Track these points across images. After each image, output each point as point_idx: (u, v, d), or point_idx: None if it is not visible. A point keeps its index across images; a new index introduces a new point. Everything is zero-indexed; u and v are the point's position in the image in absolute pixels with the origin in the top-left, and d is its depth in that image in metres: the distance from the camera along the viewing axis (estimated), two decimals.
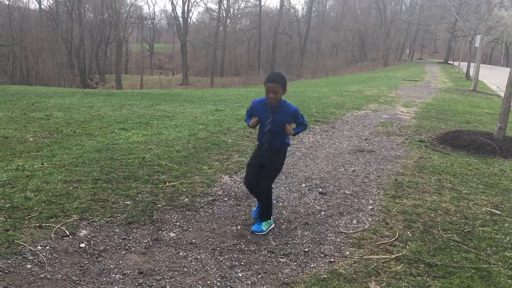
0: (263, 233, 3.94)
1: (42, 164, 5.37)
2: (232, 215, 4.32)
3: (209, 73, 57.66)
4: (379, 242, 3.86)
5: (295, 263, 3.45)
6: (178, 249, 3.57)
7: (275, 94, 3.73)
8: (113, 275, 3.11)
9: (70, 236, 3.61)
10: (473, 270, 3.44)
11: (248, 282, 3.15)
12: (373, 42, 66.06)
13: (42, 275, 3.03)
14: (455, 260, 3.60)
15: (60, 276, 3.05)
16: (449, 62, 57.23)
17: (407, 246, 3.80)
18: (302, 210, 4.54)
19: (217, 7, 61.70)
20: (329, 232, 4.06)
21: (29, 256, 3.25)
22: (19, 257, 3.22)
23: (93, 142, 6.65)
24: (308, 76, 51.60)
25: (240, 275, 3.24)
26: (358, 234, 4.02)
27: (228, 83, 50.41)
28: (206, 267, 3.32)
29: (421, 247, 3.79)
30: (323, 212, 4.51)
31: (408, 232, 4.09)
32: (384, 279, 3.26)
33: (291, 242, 3.83)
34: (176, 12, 62.95)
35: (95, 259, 3.31)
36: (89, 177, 4.94)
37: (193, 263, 3.37)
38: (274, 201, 4.70)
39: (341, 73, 49.26)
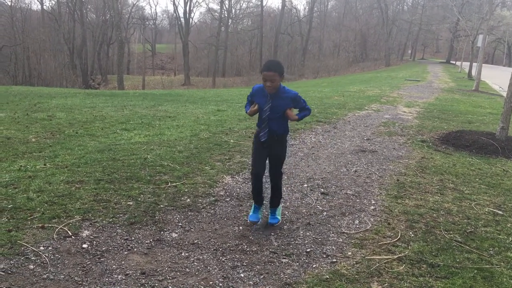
0: (279, 222, 4.18)
1: (44, 164, 5.38)
2: (234, 215, 4.33)
3: (211, 74, 57.68)
4: (381, 243, 3.86)
5: (297, 264, 3.45)
6: (180, 249, 3.58)
7: (272, 82, 3.71)
8: (116, 276, 3.12)
9: (73, 237, 3.61)
10: (476, 271, 3.43)
11: (250, 282, 3.15)
12: (375, 42, 66.01)
13: (45, 276, 3.04)
14: (458, 260, 3.60)
15: (62, 276, 3.05)
16: (451, 62, 57.13)
17: (410, 247, 3.80)
18: (304, 211, 4.54)
19: (218, 7, 61.83)
20: (331, 232, 4.06)
21: (31, 257, 3.26)
22: (22, 258, 3.23)
23: (95, 143, 6.66)
24: (310, 76, 51.59)
25: (242, 275, 3.24)
26: (360, 235, 4.02)
27: (230, 83, 50.43)
28: (208, 267, 3.33)
29: (424, 248, 3.78)
30: (325, 213, 4.51)
31: (410, 233, 4.09)
32: (386, 279, 3.26)
33: (293, 242, 3.83)
34: (178, 13, 63.31)
35: (97, 259, 3.32)
36: (91, 178, 4.95)
37: (195, 263, 3.38)
38: None
39: (343, 73, 49.22)
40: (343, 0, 74.99)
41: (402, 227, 4.21)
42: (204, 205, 4.50)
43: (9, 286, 2.89)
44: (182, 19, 58.37)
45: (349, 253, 3.66)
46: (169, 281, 3.11)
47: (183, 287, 3.05)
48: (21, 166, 5.26)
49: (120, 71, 39.06)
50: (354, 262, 3.49)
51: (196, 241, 3.74)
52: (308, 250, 3.69)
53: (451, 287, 3.19)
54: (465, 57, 43.65)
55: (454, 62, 55.14)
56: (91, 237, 3.65)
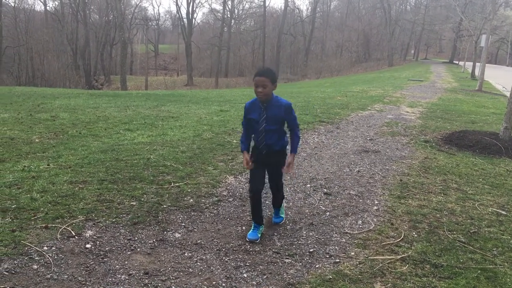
0: (283, 220, 4.22)
1: (48, 165, 5.40)
2: (237, 215, 4.33)
3: (214, 74, 57.71)
4: (385, 243, 3.85)
5: (300, 264, 3.45)
6: (183, 249, 3.58)
7: (264, 88, 3.58)
8: (119, 276, 3.12)
9: (76, 237, 3.62)
10: (479, 271, 3.42)
11: (253, 282, 3.15)
12: (377, 42, 65.88)
13: (48, 276, 3.05)
14: (461, 260, 3.59)
15: (66, 276, 3.06)
16: (454, 62, 57.03)
17: (413, 247, 3.79)
18: (307, 211, 4.54)
19: (221, 8, 61.85)
20: (334, 232, 4.05)
21: (35, 257, 3.27)
22: (26, 258, 3.24)
23: (99, 143, 6.67)
24: (313, 76, 51.59)
25: (245, 275, 3.24)
26: (363, 235, 4.01)
27: (233, 84, 50.46)
28: (211, 267, 3.33)
29: (427, 248, 3.78)
30: (328, 213, 4.50)
31: (414, 233, 4.08)
32: (390, 279, 3.25)
33: (296, 242, 3.83)
34: (180, 13, 63.24)
35: (100, 259, 3.32)
36: (94, 178, 4.96)
37: (198, 263, 3.38)
38: None
39: (345, 74, 49.18)
40: (345, 0, 74.91)
41: (405, 227, 4.20)
42: (207, 205, 4.51)
43: (13, 286, 2.90)
44: (185, 20, 58.49)
45: (352, 253, 3.66)
46: (172, 281, 3.11)
47: (186, 287, 3.05)
48: (24, 166, 5.27)
49: (123, 71, 39.16)
50: (357, 262, 3.49)
51: (199, 241, 3.74)
52: (311, 250, 3.69)
53: (455, 287, 3.18)
54: (468, 57, 43.54)
55: (457, 62, 55.04)
56: (95, 237, 3.66)
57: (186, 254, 3.51)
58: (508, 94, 10.18)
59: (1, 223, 3.72)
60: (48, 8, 60.38)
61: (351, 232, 4.08)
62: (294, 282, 3.16)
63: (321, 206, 4.67)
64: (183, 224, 4.03)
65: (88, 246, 3.50)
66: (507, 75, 36.21)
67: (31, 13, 57.52)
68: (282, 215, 4.26)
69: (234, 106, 11.46)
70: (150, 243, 3.64)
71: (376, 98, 14.99)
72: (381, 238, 3.94)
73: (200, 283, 3.10)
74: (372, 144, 7.71)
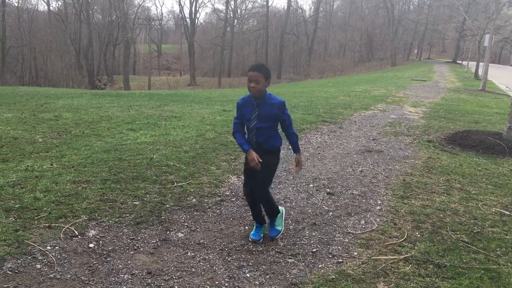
0: (281, 232, 3.91)
1: (51, 164, 5.41)
2: (240, 215, 4.33)
3: (217, 74, 57.74)
4: (388, 243, 3.85)
5: (303, 264, 3.45)
6: (186, 249, 3.59)
7: (257, 83, 3.47)
8: (122, 275, 3.13)
9: (79, 236, 3.63)
10: (483, 271, 3.42)
11: (256, 282, 3.15)
12: (380, 42, 65.74)
13: (52, 275, 3.06)
14: (464, 261, 3.58)
15: (69, 276, 3.07)
16: (457, 61, 56.84)
17: (416, 247, 3.78)
18: (310, 211, 4.53)
19: (224, 7, 61.81)
20: (337, 232, 4.05)
21: (38, 256, 3.28)
22: (29, 257, 3.25)
23: (102, 143, 6.68)
24: (316, 76, 51.52)
25: (248, 275, 3.24)
26: (366, 235, 4.01)
27: (236, 84, 50.45)
28: (214, 267, 3.33)
29: (430, 248, 3.77)
30: (331, 213, 4.50)
31: (417, 233, 4.08)
32: (393, 280, 3.25)
33: (299, 242, 3.83)
34: (183, 13, 63.36)
35: (103, 259, 3.33)
36: (97, 178, 4.97)
37: (201, 263, 3.38)
38: (281, 202, 4.71)
39: (348, 73, 49.11)
40: (348, 0, 74.81)
41: (409, 227, 4.20)
42: (210, 205, 4.51)
43: (16, 285, 2.91)
44: (188, 20, 58.52)
45: (355, 253, 3.65)
46: (175, 280, 3.11)
47: (189, 287, 3.05)
48: (28, 166, 5.29)
49: (126, 71, 39.15)
50: (360, 262, 3.48)
51: (202, 241, 3.74)
52: (314, 250, 3.69)
53: (458, 287, 3.18)
54: (471, 56, 43.42)
55: (460, 62, 54.86)
56: (98, 236, 3.66)
57: (189, 253, 3.52)
58: (511, 94, 10.15)
59: (4, 222, 3.73)
60: (51, 8, 60.63)
61: (354, 232, 4.07)
62: (297, 282, 3.16)
63: (324, 206, 4.67)
64: (186, 224, 4.04)
65: (91, 245, 3.51)
66: (511, 75, 36.11)
67: (34, 13, 57.72)
68: (279, 227, 3.92)
69: None
70: (153, 242, 3.65)
71: (379, 98, 14.97)
72: (384, 238, 3.94)
73: (203, 283, 3.10)
74: (375, 144, 7.70)
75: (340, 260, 3.52)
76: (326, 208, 4.63)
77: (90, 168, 5.31)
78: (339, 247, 3.75)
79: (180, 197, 4.61)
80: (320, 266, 3.42)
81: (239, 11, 66.50)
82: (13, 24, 50.53)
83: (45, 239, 3.52)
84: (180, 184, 4.98)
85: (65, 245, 3.47)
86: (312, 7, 75.66)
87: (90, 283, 3.00)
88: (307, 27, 66.15)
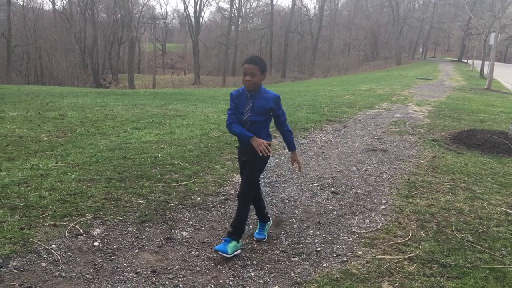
0: (227, 255, 3.39)
1: (56, 163, 5.43)
2: None
3: (221, 72, 57.74)
4: (392, 242, 3.84)
5: (307, 263, 3.45)
6: (190, 248, 3.59)
7: (252, 76, 3.36)
8: (126, 274, 3.14)
9: (84, 235, 3.64)
10: (488, 271, 3.40)
11: (260, 281, 3.15)
12: (385, 41, 65.56)
13: (57, 273, 3.07)
14: (469, 260, 3.57)
15: (74, 274, 3.08)
16: (463, 60, 56.62)
17: (421, 246, 3.77)
18: (314, 210, 4.53)
19: (229, 6, 61.75)
20: (342, 231, 4.04)
21: (43, 255, 3.29)
22: (34, 255, 3.26)
23: (106, 142, 6.70)
24: (320, 75, 51.45)
25: (252, 274, 3.25)
26: (371, 234, 4.00)
27: (240, 82, 50.26)
28: (219, 266, 3.33)
29: (435, 247, 3.76)
30: (335, 212, 4.49)
31: (422, 232, 4.06)
32: (397, 279, 3.24)
33: (303, 241, 3.82)
34: (188, 12, 63.23)
35: (108, 257, 3.34)
36: (102, 176, 4.98)
37: (205, 262, 3.39)
38: (286, 201, 4.71)
39: (353, 72, 49.00)
40: None
41: (413, 226, 4.18)
42: (214, 203, 4.51)
43: (22, 283, 2.92)
44: (192, 18, 58.48)
45: (360, 252, 3.65)
46: (180, 279, 3.12)
47: (194, 285, 3.06)
48: (33, 164, 5.31)
49: (131, 70, 39.29)
50: (365, 262, 3.48)
51: (206, 239, 3.75)
52: (318, 249, 3.68)
53: (463, 287, 3.17)
54: (477, 55, 43.20)
55: (465, 61, 54.63)
56: (102, 235, 3.68)
57: (193, 252, 3.52)
58: None
59: (10, 220, 3.75)
60: (56, 7, 60.81)
61: (359, 231, 4.07)
62: (301, 281, 3.16)
63: (328, 205, 4.66)
64: (191, 223, 4.04)
65: (96, 244, 3.52)
66: None
67: (39, 12, 57.89)
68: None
69: None
70: (157, 241, 3.65)
71: (384, 97, 14.93)
72: (388, 237, 3.93)
73: (207, 282, 3.10)
74: (379, 143, 7.68)
75: (345, 259, 3.51)
76: (331, 207, 4.62)
77: (95, 167, 5.32)
78: (344, 246, 3.75)
79: (184, 196, 4.61)
80: (324, 265, 3.42)
81: (243, 9, 66.48)
82: (19, 23, 50.72)
83: (50, 238, 3.54)
84: (184, 182, 4.99)
85: (70, 244, 3.48)
86: (317, 6, 75.47)
87: (95, 281, 3.01)
88: (312, 25, 66.01)
